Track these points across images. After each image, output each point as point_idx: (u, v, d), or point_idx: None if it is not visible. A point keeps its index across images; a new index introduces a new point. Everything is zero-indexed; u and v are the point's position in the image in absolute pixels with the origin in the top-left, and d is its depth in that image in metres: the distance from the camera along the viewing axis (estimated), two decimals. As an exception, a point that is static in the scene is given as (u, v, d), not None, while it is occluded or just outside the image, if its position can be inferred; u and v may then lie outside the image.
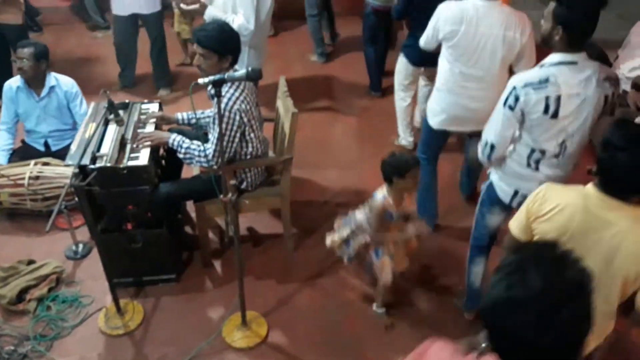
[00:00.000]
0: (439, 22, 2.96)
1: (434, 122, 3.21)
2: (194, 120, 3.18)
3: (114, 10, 4.73)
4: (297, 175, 3.88)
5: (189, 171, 3.30)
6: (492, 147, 2.35)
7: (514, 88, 2.18)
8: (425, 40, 3.14)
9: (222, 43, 2.74)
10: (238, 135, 2.85)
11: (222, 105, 2.73)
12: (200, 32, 2.76)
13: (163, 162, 3.15)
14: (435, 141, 3.36)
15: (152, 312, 3.01)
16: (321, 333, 2.92)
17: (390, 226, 2.78)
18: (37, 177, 3.45)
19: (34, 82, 3.63)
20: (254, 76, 2.21)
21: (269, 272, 3.27)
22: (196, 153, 2.85)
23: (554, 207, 1.84)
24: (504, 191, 2.50)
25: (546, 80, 2.13)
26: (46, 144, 3.80)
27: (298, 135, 3.10)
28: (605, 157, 1.77)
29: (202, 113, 3.19)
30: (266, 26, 4.05)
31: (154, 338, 2.88)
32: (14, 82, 3.68)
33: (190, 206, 3.45)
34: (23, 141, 3.88)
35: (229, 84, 2.78)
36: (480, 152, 2.45)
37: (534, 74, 2.18)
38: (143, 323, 2.95)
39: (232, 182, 2.47)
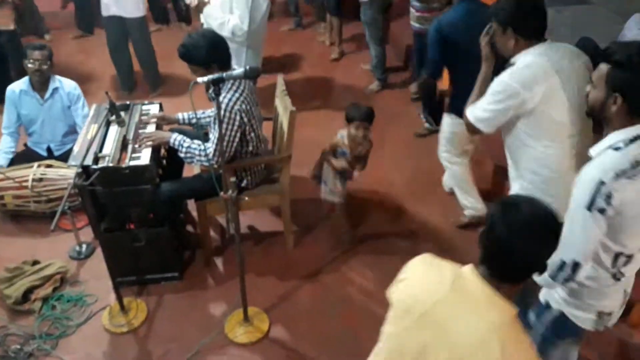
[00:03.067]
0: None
1: None
2: (194, 120, 3.22)
3: (102, 12, 4.76)
4: (297, 174, 3.91)
5: (190, 170, 3.35)
6: (576, 265, 1.78)
7: (602, 183, 1.66)
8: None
9: (203, 56, 2.76)
10: (238, 135, 2.90)
11: (223, 106, 2.78)
12: (180, 49, 2.82)
13: (164, 161, 3.19)
14: None
15: (155, 310, 3.05)
16: (322, 328, 2.95)
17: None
18: (40, 179, 3.50)
19: (42, 85, 3.70)
20: (251, 74, 2.25)
21: (270, 269, 3.31)
22: (197, 152, 2.89)
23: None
24: (581, 319, 1.97)
25: (637, 164, 1.67)
26: (49, 149, 3.85)
27: (298, 135, 3.15)
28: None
29: (203, 113, 3.24)
30: (262, 27, 4.10)
31: (157, 335, 2.92)
32: (17, 86, 3.73)
33: (191, 205, 3.49)
34: (26, 145, 3.93)
35: (229, 85, 2.82)
36: (552, 274, 1.84)
37: (618, 159, 1.68)
38: (146, 321, 2.99)
39: (232, 179, 2.51)
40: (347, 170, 3.27)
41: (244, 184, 3.13)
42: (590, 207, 1.69)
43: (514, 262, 1.41)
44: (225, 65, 2.86)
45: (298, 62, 5.82)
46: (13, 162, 3.74)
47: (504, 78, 2.26)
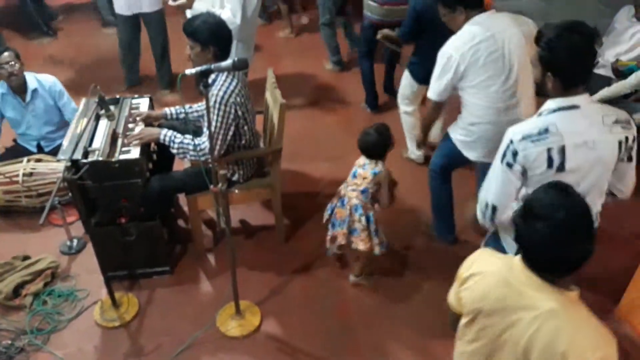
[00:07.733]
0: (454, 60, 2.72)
1: (471, 155, 2.99)
2: (182, 115, 3.21)
3: (116, 10, 4.65)
4: (289, 167, 3.93)
5: (180, 164, 3.34)
6: (494, 208, 2.06)
7: (511, 142, 1.95)
8: (438, 92, 2.85)
9: (205, 34, 2.77)
10: (232, 128, 2.89)
11: (218, 99, 2.78)
12: (188, 21, 2.85)
13: (154, 155, 3.18)
14: (456, 164, 3.21)
15: (147, 304, 3.05)
16: (314, 321, 2.96)
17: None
18: (30, 174, 3.48)
19: (19, 87, 3.60)
20: (240, 66, 2.24)
21: (261, 262, 3.31)
22: (190, 147, 2.87)
23: (476, 273, 1.63)
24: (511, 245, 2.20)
25: (546, 131, 1.90)
26: (38, 146, 3.82)
27: (289, 129, 3.14)
28: (523, 227, 1.50)
29: (190, 107, 3.23)
30: (254, 21, 4.09)
31: (149, 329, 2.92)
32: None
33: (182, 200, 3.49)
34: (15, 141, 3.89)
35: (223, 77, 2.82)
36: (480, 213, 2.14)
37: (532, 124, 1.95)
38: (138, 315, 2.98)
39: (222, 172, 2.50)
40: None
41: (235, 177, 3.12)
42: (502, 160, 1.99)
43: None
44: (222, 53, 2.85)
45: (288, 56, 5.81)
46: (2, 158, 3.71)
47: (443, 48, 2.76)
